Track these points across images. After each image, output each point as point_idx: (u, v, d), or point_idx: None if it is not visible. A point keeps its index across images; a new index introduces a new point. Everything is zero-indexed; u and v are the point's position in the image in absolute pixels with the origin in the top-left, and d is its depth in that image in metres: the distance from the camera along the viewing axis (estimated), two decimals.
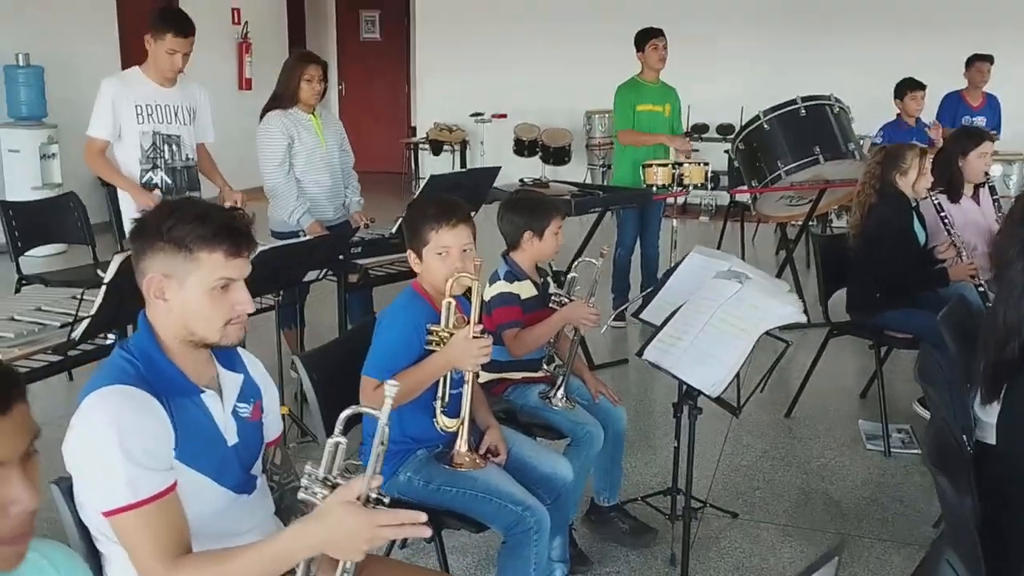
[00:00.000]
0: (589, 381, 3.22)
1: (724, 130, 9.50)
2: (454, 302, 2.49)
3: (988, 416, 2.28)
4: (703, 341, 2.56)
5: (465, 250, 2.56)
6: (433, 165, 10.86)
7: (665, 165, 5.50)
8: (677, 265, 3.44)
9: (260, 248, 2.05)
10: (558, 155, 10.02)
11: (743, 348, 2.44)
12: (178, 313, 1.74)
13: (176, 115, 4.07)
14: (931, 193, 4.20)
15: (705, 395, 2.48)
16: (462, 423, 2.51)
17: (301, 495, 1.73)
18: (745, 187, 5.86)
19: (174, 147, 4.07)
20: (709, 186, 5.85)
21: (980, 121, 6.98)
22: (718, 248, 7.67)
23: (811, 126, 5.65)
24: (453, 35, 10.75)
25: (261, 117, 4.54)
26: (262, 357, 2.06)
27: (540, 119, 10.25)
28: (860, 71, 8.86)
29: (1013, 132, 7.42)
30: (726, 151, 8.41)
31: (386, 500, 1.66)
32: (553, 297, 3.12)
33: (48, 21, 7.78)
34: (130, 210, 4.03)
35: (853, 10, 9.42)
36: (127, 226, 4.14)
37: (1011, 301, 1.87)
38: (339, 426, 1.74)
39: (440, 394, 2.52)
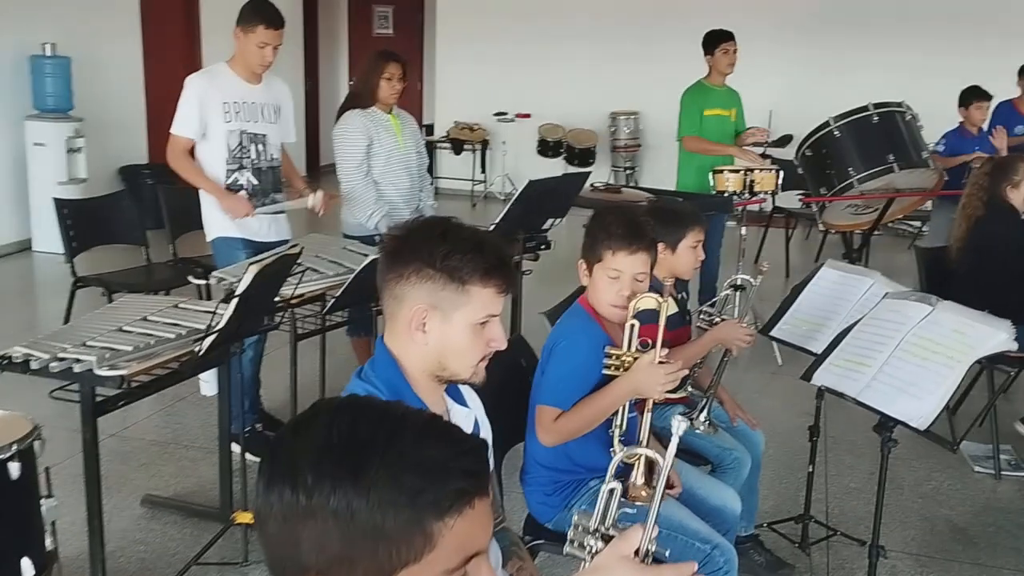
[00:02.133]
0: (727, 403, 3.05)
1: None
2: (638, 324, 2.31)
3: None
4: (898, 368, 2.39)
5: (639, 280, 2.38)
6: (453, 165, 10.65)
7: (737, 171, 5.32)
8: (807, 280, 3.28)
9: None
10: (583, 156, 9.86)
11: (953, 378, 2.27)
12: (435, 346, 1.55)
13: (263, 113, 3.84)
14: None
15: (911, 428, 2.31)
16: (641, 454, 2.33)
17: (568, 549, 1.54)
18: (814, 196, 5.70)
19: (260, 146, 3.84)
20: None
21: None
22: (760, 252, 7.65)
23: (883, 133, 5.48)
24: (474, 32, 10.52)
25: (338, 117, 4.34)
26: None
27: (563, 119, 10.08)
28: (898, 78, 8.76)
29: None
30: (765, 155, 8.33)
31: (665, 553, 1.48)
32: (703, 316, 2.94)
33: (75, 11, 7.48)
34: (214, 213, 3.82)
35: (891, 16, 9.31)
36: (208, 231, 3.92)
37: None
38: (612, 470, 1.55)
39: (619, 421, 2.34)
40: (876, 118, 5.51)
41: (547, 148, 9.96)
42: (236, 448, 3.28)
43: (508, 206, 3.92)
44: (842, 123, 5.53)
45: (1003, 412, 4.51)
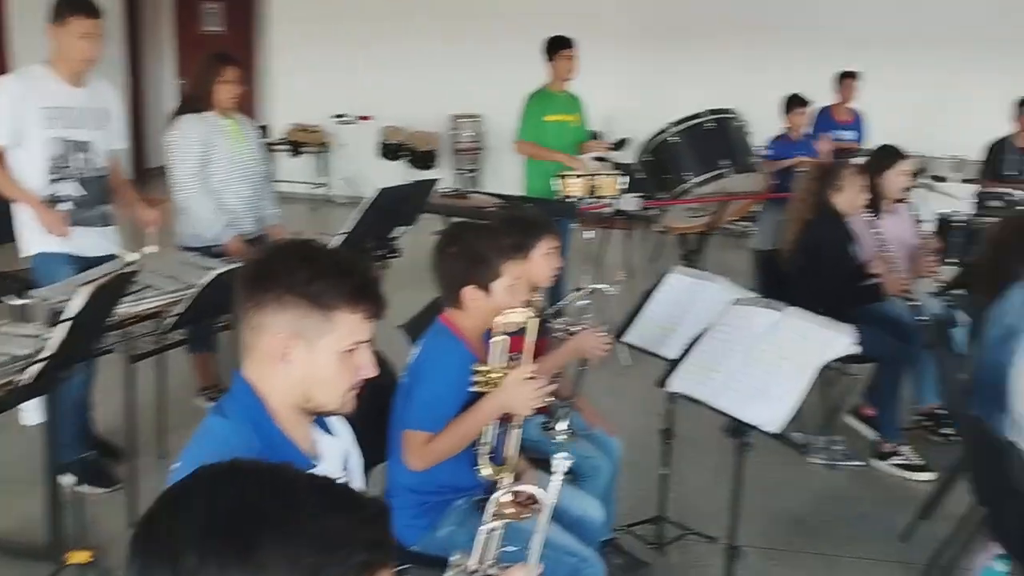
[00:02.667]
0: (586, 411, 3.07)
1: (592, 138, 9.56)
2: (507, 340, 2.28)
3: None
4: (750, 374, 2.46)
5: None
6: (291, 168, 10.34)
7: (581, 177, 5.40)
8: (655, 286, 3.35)
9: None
10: (425, 159, 9.79)
11: (803, 383, 2.36)
12: (299, 377, 1.46)
13: (87, 119, 3.57)
14: (865, 210, 4.32)
15: (764, 432, 2.38)
16: (509, 470, 2.30)
17: None
18: (653, 199, 5.87)
19: (85, 155, 3.57)
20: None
21: (848, 135, 7.36)
22: (601, 253, 7.81)
23: (717, 139, 5.72)
24: (311, 31, 10.25)
25: (171, 120, 4.10)
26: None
27: (405, 122, 9.98)
28: (724, 87, 9.16)
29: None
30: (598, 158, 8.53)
31: None
32: (559, 326, 2.94)
33: None
34: (31, 227, 3.52)
35: (719, 24, 9.70)
36: (25, 246, 3.61)
37: None
38: (491, 509, 1.51)
39: (488, 439, 2.30)
40: (709, 124, 5.73)
41: (388, 151, 9.83)
42: (67, 480, 3.03)
43: (359, 215, 3.82)
44: (679, 129, 5.72)
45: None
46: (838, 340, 2.38)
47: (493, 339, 2.28)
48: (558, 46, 5.69)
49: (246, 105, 11.32)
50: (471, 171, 10.02)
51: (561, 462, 1.49)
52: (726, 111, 5.84)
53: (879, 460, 4.11)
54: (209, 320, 3.26)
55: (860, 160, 7.16)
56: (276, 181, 9.90)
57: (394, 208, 4.05)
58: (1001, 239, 3.12)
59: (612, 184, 5.50)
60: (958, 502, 3.54)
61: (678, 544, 3.38)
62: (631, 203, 5.56)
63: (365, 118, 10.10)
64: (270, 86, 10.81)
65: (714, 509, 3.70)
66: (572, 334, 2.88)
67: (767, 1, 9.57)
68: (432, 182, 4.50)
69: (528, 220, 2.98)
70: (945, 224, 6.58)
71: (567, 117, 5.75)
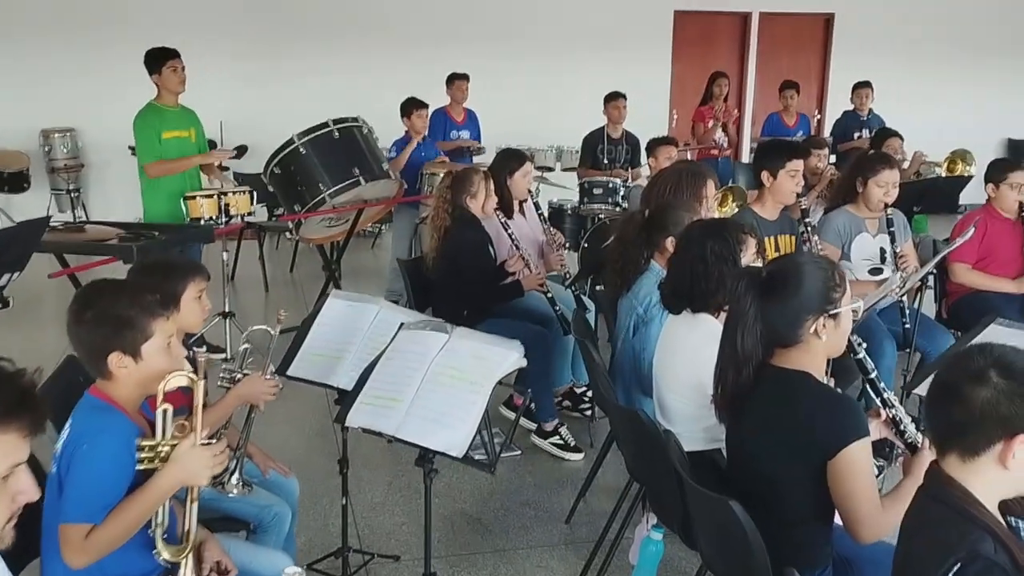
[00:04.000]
0: (256, 456, 2.90)
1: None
2: (171, 408, 2.06)
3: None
4: (429, 400, 2.47)
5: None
6: None
7: (210, 196, 5.11)
8: (315, 314, 3.26)
9: None
10: (15, 181, 8.69)
11: (480, 403, 2.41)
12: None
13: None
14: (497, 212, 4.54)
15: (451, 456, 2.41)
16: (190, 549, 2.10)
17: None
18: (289, 213, 5.71)
19: None
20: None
21: (465, 134, 7.71)
22: (235, 269, 7.46)
23: (346, 148, 5.71)
24: None
25: None
26: None
27: None
28: (342, 89, 9.20)
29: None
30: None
31: None
32: (223, 374, 2.73)
33: None
34: None
35: (330, 27, 9.64)
36: None
37: (746, 331, 2.14)
38: None
39: (160, 520, 2.07)
40: (337, 133, 5.72)
41: None
42: None
43: None
44: (306, 139, 5.64)
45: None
46: (509, 355, 2.46)
47: (158, 409, 2.06)
48: (162, 58, 5.30)
49: None
50: (73, 191, 9.06)
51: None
52: (352, 119, 5.85)
53: (541, 439, 4.37)
54: None
55: (481, 157, 7.66)
56: None
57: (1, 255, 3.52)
58: (625, 234, 3.42)
59: (246, 200, 5.28)
60: (613, 477, 3.89)
61: (366, 570, 3.34)
62: (259, 213, 5.40)
63: None
64: None
65: (392, 525, 3.72)
66: (236, 381, 2.70)
67: (386, 5, 9.69)
68: (44, 221, 3.98)
69: (169, 267, 2.75)
70: (557, 213, 7.14)
71: (184, 133, 5.40)
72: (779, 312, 2.13)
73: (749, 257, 2.68)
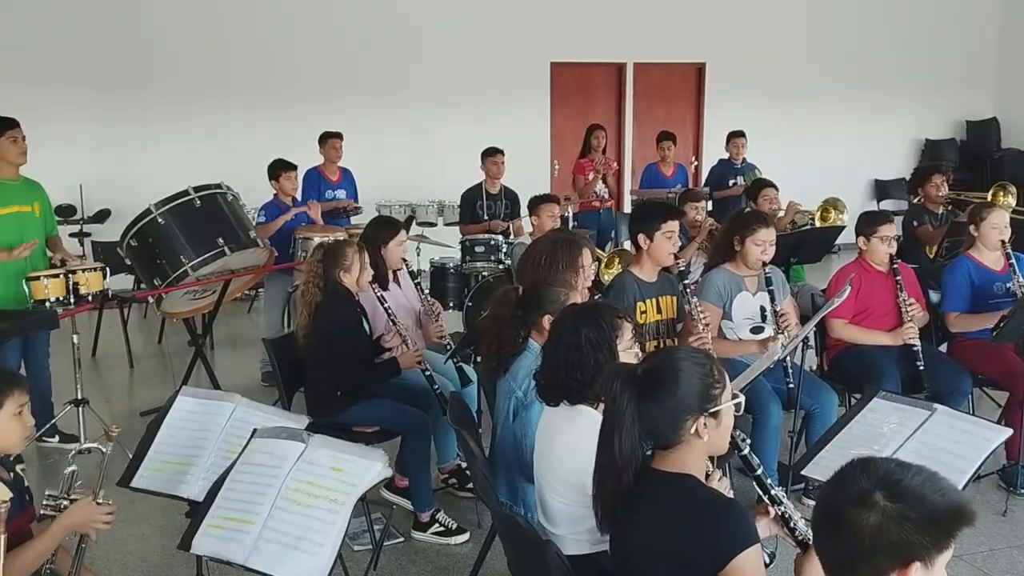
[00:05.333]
0: None
1: (65, 211, 8.55)
2: None
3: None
4: (283, 521, 2.22)
5: None
6: None
7: (56, 275, 4.70)
8: (163, 415, 2.96)
9: None
10: None
11: (340, 523, 2.17)
12: None
13: None
14: (372, 285, 4.31)
15: None
16: None
17: None
18: (149, 288, 5.33)
19: None
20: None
21: (341, 194, 7.44)
22: (96, 344, 6.97)
23: (209, 217, 5.39)
24: None
25: None
26: None
27: None
28: (208, 148, 8.86)
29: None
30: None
31: None
32: (47, 501, 2.40)
33: None
34: None
35: (185, 88, 9.28)
36: None
37: (624, 434, 1.98)
38: None
39: None
40: (199, 202, 5.41)
41: None
42: None
43: None
44: (165, 209, 5.31)
45: None
46: (372, 467, 2.24)
47: None
48: (1, 128, 4.87)
49: None
50: None
51: None
52: (215, 186, 5.54)
53: (420, 532, 4.11)
54: None
55: (355, 218, 7.42)
56: None
57: None
58: (499, 312, 3.25)
59: (97, 277, 4.89)
60: (502, 562, 3.67)
61: None
62: (123, 281, 5.02)
63: None
64: None
65: None
66: (62, 509, 2.38)
67: (251, 63, 9.40)
68: None
69: None
70: (439, 272, 6.95)
71: (25, 208, 4.96)
72: (657, 413, 1.98)
73: (626, 343, 2.54)
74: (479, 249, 6.78)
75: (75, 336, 4.87)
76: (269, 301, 6.53)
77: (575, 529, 2.48)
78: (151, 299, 5.47)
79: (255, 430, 2.52)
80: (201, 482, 2.74)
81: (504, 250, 6.70)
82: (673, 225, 4.11)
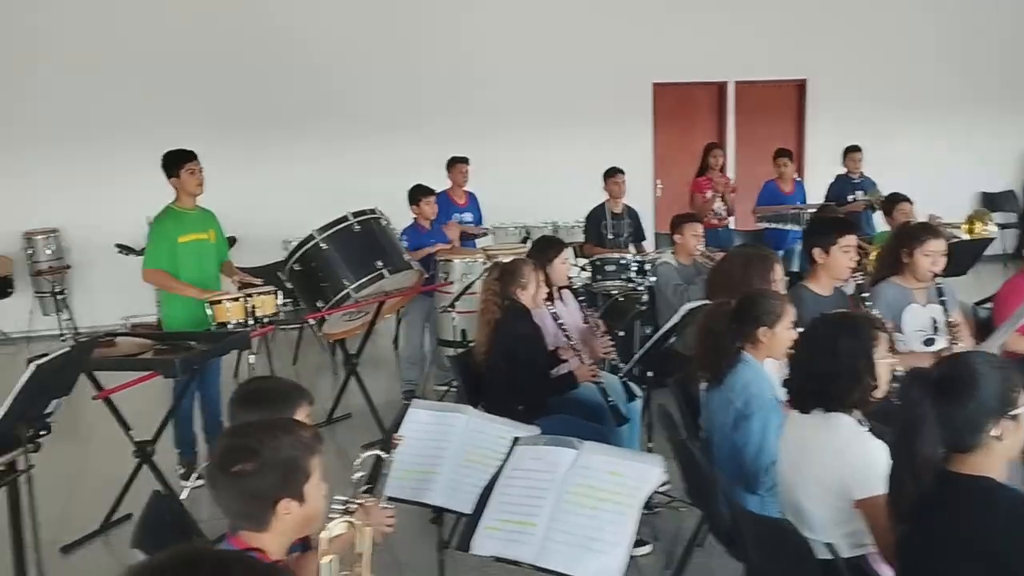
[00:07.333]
0: None
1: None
2: (336, 557, 1.90)
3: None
4: (569, 522, 2.33)
5: None
6: None
7: (237, 299, 4.93)
8: (395, 427, 3.10)
9: None
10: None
11: (631, 525, 2.27)
12: None
13: None
14: (547, 302, 4.44)
15: None
16: None
17: None
18: (311, 310, 5.55)
19: None
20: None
21: (468, 217, 7.63)
22: (237, 368, 7.20)
23: (367, 241, 5.59)
24: None
25: None
26: None
27: None
28: (317, 177, 9.15)
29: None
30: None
31: None
32: (334, 504, 2.55)
33: None
34: None
35: (327, 118, 9.59)
36: None
37: (923, 437, 2.04)
38: None
39: None
40: (357, 227, 5.59)
41: None
42: None
43: (11, 399, 3.06)
44: (326, 235, 5.51)
45: None
46: (652, 472, 2.33)
47: (322, 559, 1.90)
48: (180, 161, 5.16)
49: None
50: (57, 293, 8.79)
51: None
52: (369, 211, 5.74)
53: None
54: None
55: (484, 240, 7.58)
56: None
57: (50, 382, 3.32)
58: (713, 325, 3.32)
59: (271, 301, 5.11)
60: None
61: None
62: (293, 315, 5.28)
63: None
64: None
65: None
66: (351, 512, 2.52)
67: (368, 91, 9.68)
68: (93, 342, 3.78)
69: (274, 394, 2.56)
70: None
71: (202, 235, 5.23)
72: (957, 417, 2.04)
73: (881, 354, 2.60)
74: (609, 268, 6.86)
75: (251, 357, 5.08)
76: (411, 323, 6.71)
77: (834, 534, 2.54)
78: (312, 321, 5.66)
79: (516, 438, 2.64)
80: (449, 489, 2.86)
81: (635, 268, 6.76)
82: (851, 239, 4.15)
